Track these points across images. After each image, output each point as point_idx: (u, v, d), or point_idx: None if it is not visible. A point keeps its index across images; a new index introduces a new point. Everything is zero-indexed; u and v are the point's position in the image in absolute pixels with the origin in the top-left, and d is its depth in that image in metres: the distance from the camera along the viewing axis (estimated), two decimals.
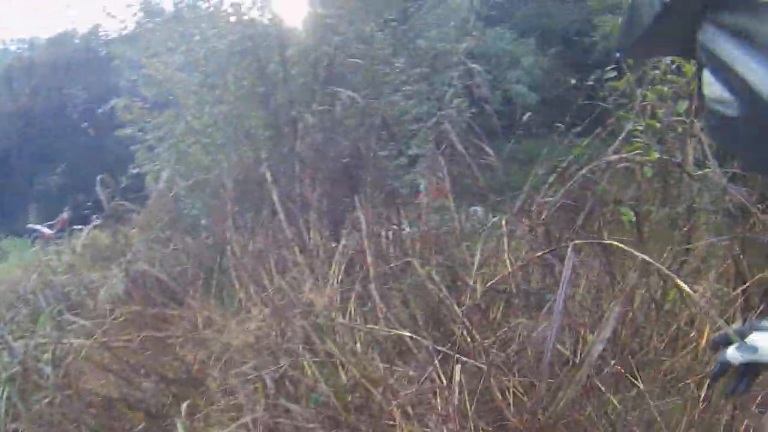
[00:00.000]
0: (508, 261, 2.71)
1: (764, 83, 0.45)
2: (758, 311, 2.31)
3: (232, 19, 4.57)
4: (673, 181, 2.80)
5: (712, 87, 0.51)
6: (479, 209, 3.84)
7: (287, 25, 4.98)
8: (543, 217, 2.87)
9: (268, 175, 3.63)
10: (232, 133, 4.42)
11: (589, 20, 15.74)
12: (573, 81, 3.60)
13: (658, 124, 2.84)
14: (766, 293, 2.41)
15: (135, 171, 5.06)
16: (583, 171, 2.74)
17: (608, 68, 3.29)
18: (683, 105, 2.84)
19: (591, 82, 3.37)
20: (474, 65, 4.35)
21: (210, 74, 4.46)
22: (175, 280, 3.64)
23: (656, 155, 2.70)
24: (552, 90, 15.74)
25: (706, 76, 0.52)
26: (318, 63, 4.32)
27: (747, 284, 2.32)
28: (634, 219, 2.71)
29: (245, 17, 4.48)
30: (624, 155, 2.74)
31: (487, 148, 3.45)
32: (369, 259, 2.85)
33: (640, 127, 2.85)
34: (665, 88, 2.95)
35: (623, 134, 2.86)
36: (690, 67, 2.79)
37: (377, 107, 4.04)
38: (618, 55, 0.63)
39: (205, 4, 4.89)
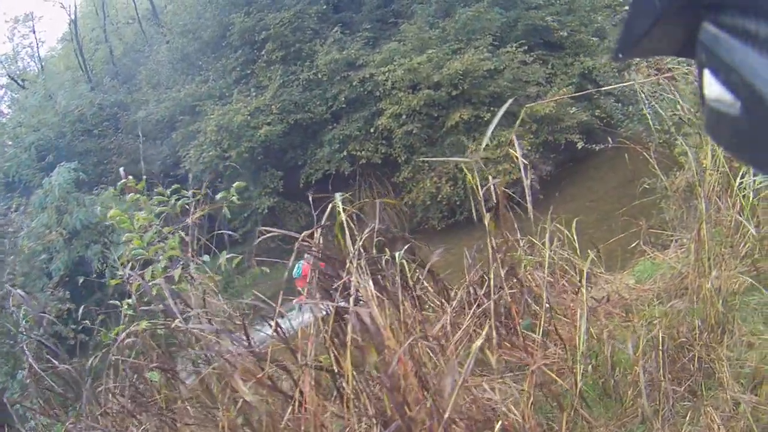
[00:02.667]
0: None
1: (764, 83, 0.45)
2: None
3: None
4: None
5: (712, 87, 0.51)
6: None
7: None
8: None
9: None
10: None
11: (176, 152, 16.52)
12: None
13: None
14: None
15: None
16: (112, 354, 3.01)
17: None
18: (149, 235, 3.29)
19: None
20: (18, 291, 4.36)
21: None
22: None
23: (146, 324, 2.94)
24: None
25: (706, 76, 0.52)
26: None
27: None
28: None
29: None
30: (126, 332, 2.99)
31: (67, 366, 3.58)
32: None
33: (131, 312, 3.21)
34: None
35: (124, 318, 3.22)
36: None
37: None
38: (619, 56, 0.62)
39: None
